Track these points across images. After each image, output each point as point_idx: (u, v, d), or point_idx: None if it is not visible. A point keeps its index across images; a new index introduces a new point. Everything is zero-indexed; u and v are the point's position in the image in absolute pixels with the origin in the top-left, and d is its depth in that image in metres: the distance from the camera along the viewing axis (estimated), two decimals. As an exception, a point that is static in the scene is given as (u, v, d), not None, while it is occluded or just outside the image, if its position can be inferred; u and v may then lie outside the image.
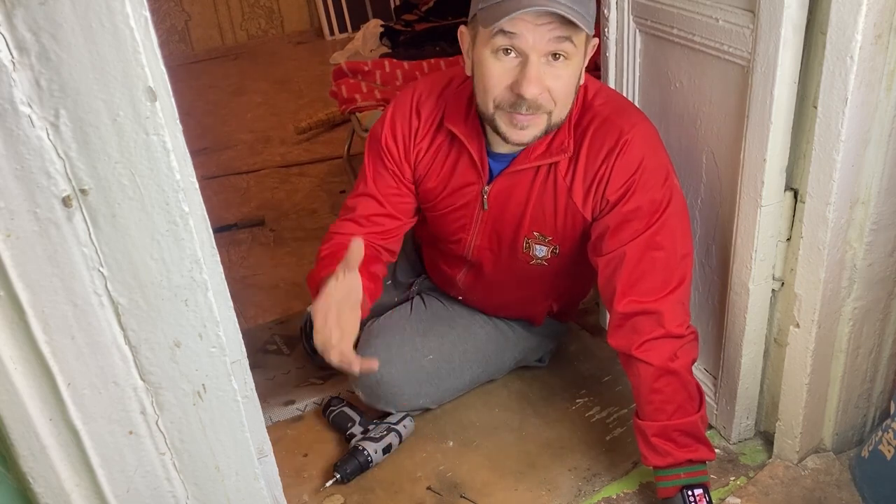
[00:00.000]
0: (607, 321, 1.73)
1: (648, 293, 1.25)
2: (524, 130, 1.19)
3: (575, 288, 1.60)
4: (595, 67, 1.62)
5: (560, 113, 1.20)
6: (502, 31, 1.11)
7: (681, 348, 1.26)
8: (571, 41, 1.12)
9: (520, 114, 1.16)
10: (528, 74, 1.12)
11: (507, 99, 1.16)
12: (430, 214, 1.43)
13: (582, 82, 1.23)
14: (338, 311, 1.17)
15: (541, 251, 1.37)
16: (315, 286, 1.27)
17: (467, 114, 1.30)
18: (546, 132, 1.22)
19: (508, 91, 1.15)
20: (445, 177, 1.36)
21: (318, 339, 1.17)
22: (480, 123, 1.28)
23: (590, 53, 1.20)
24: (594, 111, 1.26)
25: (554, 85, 1.15)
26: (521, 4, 1.07)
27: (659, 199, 1.24)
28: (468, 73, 1.23)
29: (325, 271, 1.26)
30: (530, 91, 1.13)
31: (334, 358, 1.18)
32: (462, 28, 1.22)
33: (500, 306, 1.58)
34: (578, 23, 1.08)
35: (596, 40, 1.20)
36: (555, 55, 1.13)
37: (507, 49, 1.13)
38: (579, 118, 1.27)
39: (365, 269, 1.26)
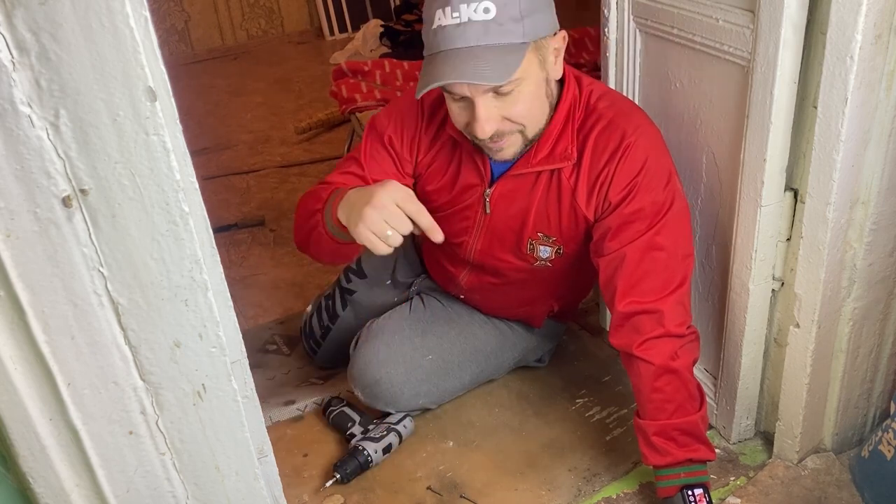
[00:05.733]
0: (608, 321, 1.73)
1: (649, 293, 1.25)
2: (503, 151, 1.23)
3: (577, 288, 1.60)
4: (595, 67, 1.62)
5: (534, 126, 1.22)
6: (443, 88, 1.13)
7: (681, 347, 1.26)
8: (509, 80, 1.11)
9: (490, 142, 1.20)
10: (477, 117, 1.14)
11: (471, 133, 1.19)
12: (433, 217, 1.43)
13: (557, 77, 1.22)
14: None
15: (545, 252, 1.37)
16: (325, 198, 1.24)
17: None
18: (530, 143, 1.25)
19: (469, 129, 1.19)
20: (449, 179, 1.36)
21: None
22: None
23: (558, 48, 1.19)
24: (598, 114, 1.27)
25: (511, 112, 1.16)
26: (438, 76, 1.08)
27: (661, 201, 1.24)
28: None
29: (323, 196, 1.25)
30: (482, 132, 1.15)
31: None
32: None
33: (502, 307, 1.58)
34: (498, 80, 1.08)
35: (561, 33, 1.18)
36: (498, 92, 1.13)
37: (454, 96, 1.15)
38: (583, 121, 1.27)
39: None
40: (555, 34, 1.17)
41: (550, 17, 1.16)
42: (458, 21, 1.07)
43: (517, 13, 1.08)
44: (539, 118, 1.22)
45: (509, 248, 1.39)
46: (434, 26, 1.09)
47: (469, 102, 1.15)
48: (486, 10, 1.06)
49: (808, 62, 1.15)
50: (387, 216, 1.10)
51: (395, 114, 1.37)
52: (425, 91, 1.11)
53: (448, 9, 1.07)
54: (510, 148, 1.23)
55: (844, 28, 1.05)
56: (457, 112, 1.18)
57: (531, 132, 1.22)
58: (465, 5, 1.06)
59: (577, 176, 1.28)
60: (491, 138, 1.18)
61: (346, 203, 1.16)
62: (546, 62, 1.17)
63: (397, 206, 1.11)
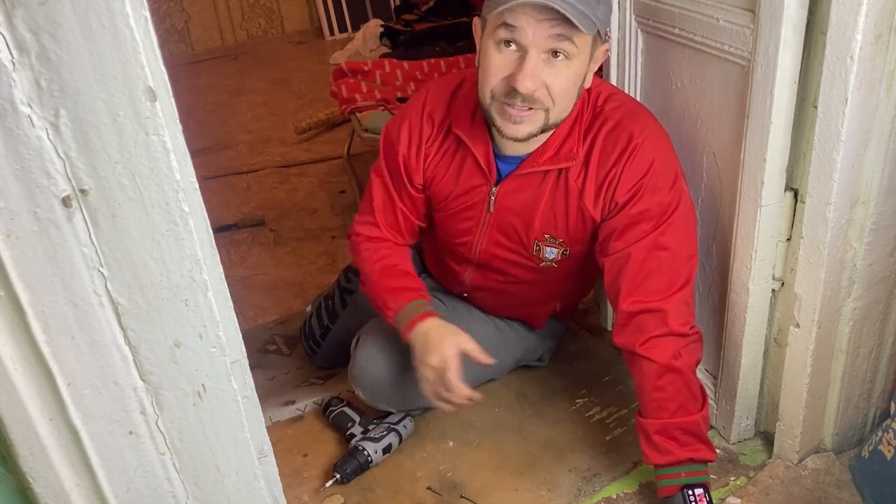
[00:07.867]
0: (609, 321, 1.73)
1: (653, 293, 1.25)
2: (518, 125, 1.20)
3: (580, 288, 1.60)
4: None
5: (558, 113, 1.21)
6: (505, 24, 1.12)
7: (684, 347, 1.26)
8: (572, 41, 1.12)
9: (513, 107, 1.17)
10: (524, 68, 1.13)
11: (502, 89, 1.17)
12: (437, 216, 1.44)
13: (588, 86, 1.23)
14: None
15: (551, 253, 1.38)
16: (389, 305, 1.40)
17: (473, 116, 1.30)
18: (543, 130, 1.23)
19: (504, 82, 1.17)
20: (452, 179, 1.37)
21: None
22: (487, 126, 1.29)
23: (599, 58, 1.21)
24: (605, 115, 1.27)
25: (552, 82, 1.16)
26: None
27: (667, 202, 1.25)
28: (476, 63, 1.24)
29: (397, 298, 1.39)
30: (524, 85, 1.14)
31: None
32: (475, 19, 1.23)
33: (506, 306, 1.57)
34: (577, 23, 1.09)
35: (607, 46, 1.20)
36: (555, 52, 1.13)
37: (508, 41, 1.14)
38: (590, 123, 1.28)
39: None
40: (604, 43, 1.19)
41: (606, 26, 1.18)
42: None
43: (597, 5, 1.11)
44: (567, 106, 1.22)
45: (514, 248, 1.39)
46: None
47: (517, 55, 1.14)
48: None
49: (808, 62, 1.15)
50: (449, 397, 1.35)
51: (406, 126, 1.37)
52: (507, 6, 1.09)
53: None
54: (529, 125, 1.20)
55: (844, 28, 1.05)
56: (498, 64, 1.16)
57: (554, 116, 1.21)
58: None
59: (585, 177, 1.28)
60: (523, 100, 1.16)
61: (418, 342, 1.35)
62: (592, 61, 1.19)
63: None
